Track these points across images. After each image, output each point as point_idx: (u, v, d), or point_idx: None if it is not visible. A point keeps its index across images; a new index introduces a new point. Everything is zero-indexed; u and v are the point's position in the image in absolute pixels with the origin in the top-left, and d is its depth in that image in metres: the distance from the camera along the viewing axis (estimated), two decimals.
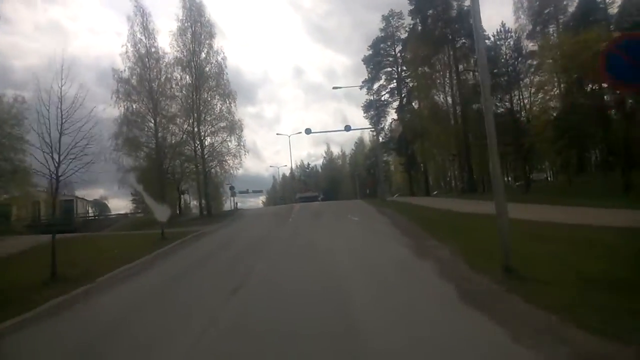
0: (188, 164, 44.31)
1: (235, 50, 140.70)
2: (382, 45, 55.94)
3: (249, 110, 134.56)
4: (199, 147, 43.48)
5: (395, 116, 57.88)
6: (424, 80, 49.04)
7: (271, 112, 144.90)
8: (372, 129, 57.82)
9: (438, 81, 48.04)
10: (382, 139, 57.43)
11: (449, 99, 48.92)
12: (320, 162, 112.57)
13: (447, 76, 45.92)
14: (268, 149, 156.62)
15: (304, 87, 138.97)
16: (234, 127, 44.91)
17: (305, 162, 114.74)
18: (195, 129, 43.47)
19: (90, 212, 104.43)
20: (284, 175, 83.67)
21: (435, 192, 60.41)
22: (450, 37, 45.43)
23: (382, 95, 56.92)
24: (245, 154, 46.77)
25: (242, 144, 44.94)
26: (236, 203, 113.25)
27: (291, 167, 62.35)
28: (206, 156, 43.81)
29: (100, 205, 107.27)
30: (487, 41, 44.51)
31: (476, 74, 46.18)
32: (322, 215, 30.70)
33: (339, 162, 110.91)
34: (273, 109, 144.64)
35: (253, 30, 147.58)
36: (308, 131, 41.90)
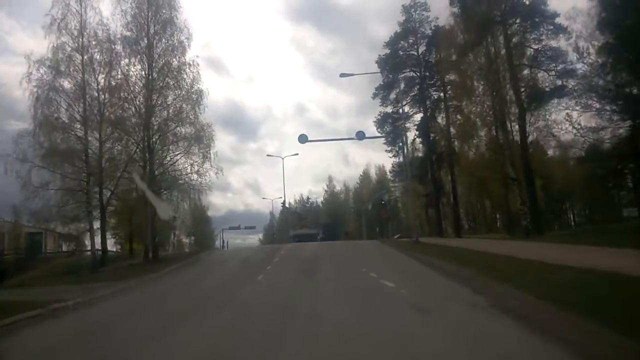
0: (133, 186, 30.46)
1: (239, 86, 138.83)
2: (401, 42, 43.33)
3: (251, 146, 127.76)
4: (148, 161, 29.78)
5: (416, 133, 44.70)
6: (462, 78, 35.67)
7: (273, 148, 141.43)
8: (389, 148, 44.43)
9: (480, 84, 34.65)
10: (398, 162, 44.34)
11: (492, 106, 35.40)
12: (321, 199, 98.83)
13: (494, 75, 32.50)
14: (269, 186, 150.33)
15: (306, 124, 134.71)
16: (200, 136, 31.36)
17: (305, 197, 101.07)
18: (144, 137, 29.88)
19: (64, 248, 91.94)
20: (281, 209, 69.40)
21: (462, 231, 46.31)
22: (499, 18, 32.37)
23: (401, 107, 43.86)
24: (217, 173, 33.07)
25: (210, 158, 31.27)
26: (224, 241, 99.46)
27: (284, 196, 48.56)
28: (157, 175, 30.03)
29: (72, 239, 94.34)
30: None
31: (535, 70, 33.04)
32: (321, 268, 16.95)
33: (341, 197, 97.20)
34: (275, 145, 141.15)
35: (257, 67, 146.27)
36: (303, 139, 28.45)
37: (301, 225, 52.76)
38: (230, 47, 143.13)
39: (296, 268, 17.46)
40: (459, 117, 42.88)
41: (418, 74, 43.43)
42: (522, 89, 32.23)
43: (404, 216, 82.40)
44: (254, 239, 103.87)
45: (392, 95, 43.96)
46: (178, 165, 31.30)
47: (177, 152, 31.07)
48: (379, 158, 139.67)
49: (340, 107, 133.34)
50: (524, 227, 29.02)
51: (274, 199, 57.96)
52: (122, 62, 30.37)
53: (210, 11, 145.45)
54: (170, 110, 30.70)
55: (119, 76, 30.26)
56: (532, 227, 29.19)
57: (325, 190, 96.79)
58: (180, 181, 31.22)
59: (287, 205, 48.17)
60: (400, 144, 44.84)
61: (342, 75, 27.58)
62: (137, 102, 30.40)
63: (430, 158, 43.03)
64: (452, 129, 44.35)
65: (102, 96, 29.39)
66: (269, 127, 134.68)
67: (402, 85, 44.03)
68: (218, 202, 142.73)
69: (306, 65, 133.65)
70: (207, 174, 32.55)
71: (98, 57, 29.27)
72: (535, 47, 33.32)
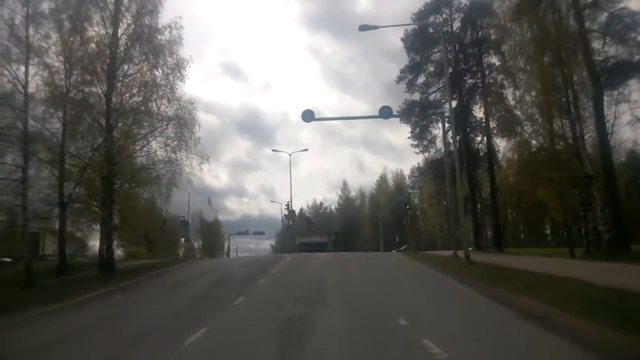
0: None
1: (256, 92, 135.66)
2: (432, 17, 35.72)
3: (267, 152, 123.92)
4: (103, 145, 22.67)
5: (447, 125, 36.81)
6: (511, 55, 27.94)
7: (287, 155, 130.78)
8: (414, 142, 36.50)
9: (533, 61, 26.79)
10: (426, 159, 36.66)
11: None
12: (335, 205, 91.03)
13: (555, 47, 24.73)
14: (284, 192, 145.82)
15: (321, 131, 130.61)
16: (178, 116, 24.20)
17: (318, 203, 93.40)
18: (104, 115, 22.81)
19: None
20: (286, 212, 61.00)
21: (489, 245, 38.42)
22: None
23: (431, 94, 36.18)
24: (203, 163, 25.79)
25: (192, 143, 24.05)
26: (229, 248, 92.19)
27: (290, 197, 40.85)
28: (116, 162, 22.81)
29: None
30: None
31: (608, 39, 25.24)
32: (321, 314, 9.32)
33: (356, 203, 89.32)
34: (291, 151, 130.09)
35: (273, 74, 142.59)
36: (308, 116, 20.69)
37: (309, 232, 45.19)
38: (247, 54, 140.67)
39: (279, 309, 9.78)
40: (501, 107, 35.17)
41: (452, 54, 35.77)
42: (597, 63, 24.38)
43: (422, 224, 74.43)
44: (266, 244, 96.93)
45: (420, 80, 36.43)
46: (149, 151, 24.13)
47: (146, 135, 23.87)
48: (395, 167, 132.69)
49: (356, 114, 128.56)
50: (608, 241, 20.93)
51: (283, 202, 52.24)
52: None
53: (228, 18, 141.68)
54: (139, 82, 23.55)
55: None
56: (613, 241, 21.17)
57: (340, 196, 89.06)
58: (149, 171, 24.04)
59: (291, 208, 41.11)
60: (429, 137, 37.21)
61: (362, 28, 20.02)
62: (99, 72, 23.27)
63: (465, 155, 35.30)
64: (491, 122, 36.51)
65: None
66: (284, 133, 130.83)
67: (432, 68, 36.37)
68: (233, 207, 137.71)
69: (323, 73, 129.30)
70: (187, 163, 25.42)
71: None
72: (609, 11, 25.51)
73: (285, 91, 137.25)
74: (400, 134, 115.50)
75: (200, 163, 26.28)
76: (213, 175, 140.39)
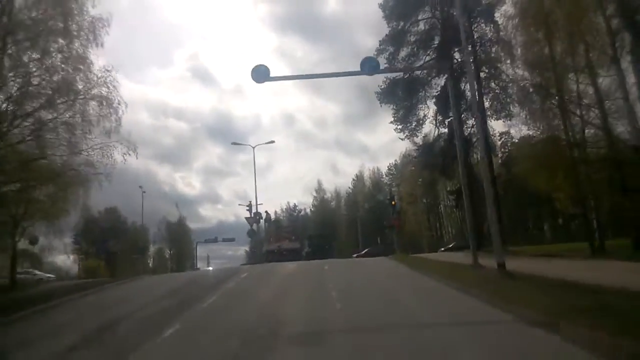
0: None
1: (227, 97, 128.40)
2: None
3: (241, 158, 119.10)
4: None
5: (435, 108, 30.86)
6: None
7: (262, 159, 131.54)
8: (398, 127, 30.33)
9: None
10: (416, 145, 30.58)
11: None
12: (311, 207, 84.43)
13: None
14: (259, 197, 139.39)
15: (295, 135, 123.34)
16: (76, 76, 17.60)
17: (292, 205, 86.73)
18: None
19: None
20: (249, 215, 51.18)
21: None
22: None
23: (415, 70, 30.14)
24: (127, 154, 19.43)
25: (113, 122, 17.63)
26: (195, 258, 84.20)
27: (255, 198, 34.18)
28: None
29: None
30: None
31: None
32: None
33: (332, 204, 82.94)
34: (264, 155, 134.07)
35: (244, 78, 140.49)
36: (261, 73, 14.14)
37: (278, 237, 38.12)
38: (217, 58, 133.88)
39: None
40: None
41: (439, 20, 29.79)
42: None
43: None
44: (242, 250, 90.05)
45: (403, 53, 30.38)
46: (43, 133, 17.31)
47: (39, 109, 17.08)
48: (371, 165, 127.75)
49: (329, 117, 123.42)
50: None
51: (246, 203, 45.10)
52: None
53: (196, 22, 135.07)
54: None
55: None
56: None
57: (314, 197, 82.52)
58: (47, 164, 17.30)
59: (256, 209, 34.14)
60: (415, 120, 31.19)
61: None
62: None
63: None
64: (485, 102, 31.09)
65: None
66: (258, 137, 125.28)
67: (414, 39, 30.35)
68: (208, 214, 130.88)
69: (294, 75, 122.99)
70: (105, 153, 18.88)
71: None
72: None
73: (256, 95, 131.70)
74: (374, 135, 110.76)
75: (125, 154, 19.74)
76: (186, 182, 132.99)
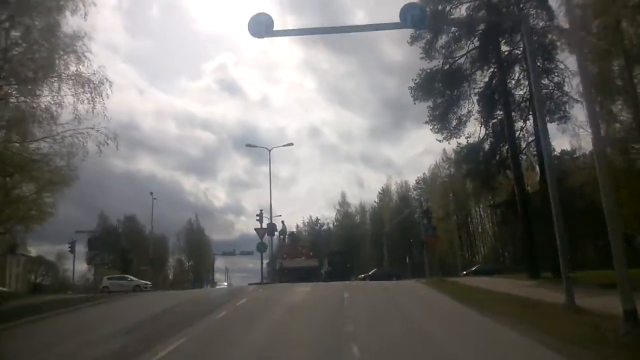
0: None
1: (253, 109, 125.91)
2: None
3: (265, 170, 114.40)
4: None
5: (479, 106, 26.08)
6: None
7: (286, 172, 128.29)
8: (435, 126, 25.52)
9: None
10: (458, 149, 25.75)
11: None
12: (334, 221, 79.54)
13: None
14: (282, 210, 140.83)
15: (320, 148, 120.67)
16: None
17: (314, 219, 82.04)
18: None
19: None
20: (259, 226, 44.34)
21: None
22: None
23: (456, 60, 25.58)
24: (105, 143, 15.41)
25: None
26: (210, 279, 79.63)
27: (270, 206, 29.71)
28: None
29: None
30: None
31: None
32: None
33: (356, 218, 77.90)
34: (288, 169, 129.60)
35: (270, 90, 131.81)
36: (259, 26, 10.08)
37: (293, 252, 33.19)
38: (244, 70, 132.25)
39: None
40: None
41: (484, 6, 25.20)
42: None
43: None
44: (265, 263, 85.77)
45: (441, 42, 25.80)
46: None
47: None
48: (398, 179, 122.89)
49: (354, 131, 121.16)
50: None
51: (264, 214, 40.50)
52: None
53: (225, 34, 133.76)
54: None
55: None
56: None
57: (338, 210, 77.58)
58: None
59: (271, 220, 29.60)
60: (455, 118, 26.43)
61: None
62: None
63: (510, 145, 24.43)
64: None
65: None
66: (282, 150, 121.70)
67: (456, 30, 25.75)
68: (232, 226, 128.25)
69: (320, 88, 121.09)
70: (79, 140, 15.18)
71: None
72: None
73: (282, 107, 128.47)
74: (399, 149, 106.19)
75: (100, 145, 15.83)
76: (211, 194, 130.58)
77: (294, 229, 74.06)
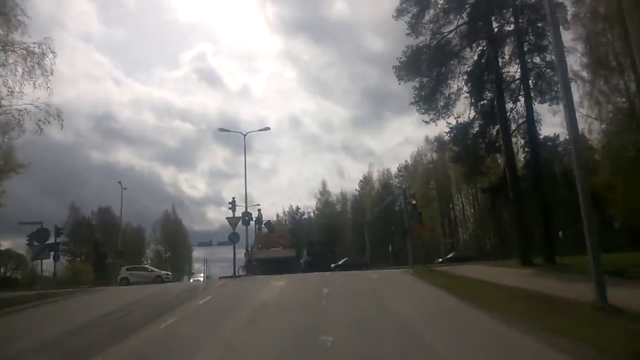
0: None
1: (233, 99, 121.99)
2: None
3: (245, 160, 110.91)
4: None
5: (467, 86, 24.20)
6: None
7: (268, 162, 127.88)
8: (421, 107, 23.58)
9: None
10: (449, 130, 23.74)
11: None
12: (314, 210, 77.37)
13: None
14: (264, 200, 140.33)
15: (301, 138, 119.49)
16: None
17: (295, 208, 79.77)
18: None
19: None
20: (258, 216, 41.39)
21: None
22: None
23: (445, 35, 23.58)
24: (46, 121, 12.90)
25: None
26: (188, 271, 77.01)
27: (245, 196, 27.48)
28: None
29: None
30: None
31: None
32: None
33: (337, 207, 75.95)
34: (270, 159, 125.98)
35: (251, 80, 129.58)
36: None
37: (269, 242, 30.98)
38: (223, 59, 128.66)
39: None
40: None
41: None
42: None
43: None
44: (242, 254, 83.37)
45: (428, 16, 23.82)
46: None
47: None
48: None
49: (335, 121, 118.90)
50: None
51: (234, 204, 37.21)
52: None
53: (203, 23, 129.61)
54: None
55: None
56: None
57: (318, 199, 75.61)
58: None
59: (247, 208, 27.33)
60: (445, 99, 24.53)
61: None
62: None
63: (502, 126, 22.57)
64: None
65: None
66: (263, 141, 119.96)
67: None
68: (212, 217, 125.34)
69: (300, 78, 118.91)
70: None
71: None
72: None
73: (262, 98, 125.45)
74: (380, 139, 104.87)
75: (40, 123, 13.54)
76: (190, 184, 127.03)
77: (275, 219, 71.99)
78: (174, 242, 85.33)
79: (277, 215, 75.46)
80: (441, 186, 59.84)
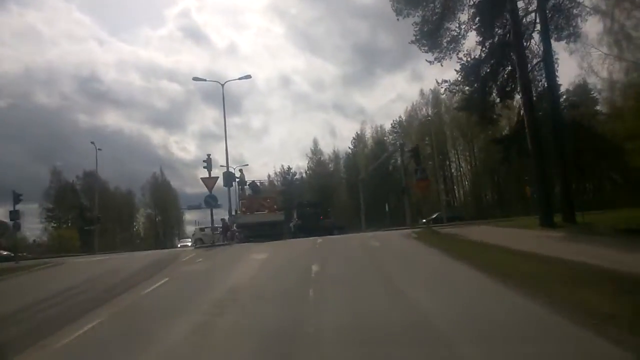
0: None
1: (220, 58, 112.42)
2: None
3: (235, 121, 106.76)
4: None
5: (476, 20, 20.51)
6: None
7: (258, 122, 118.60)
8: (424, 45, 20.04)
9: None
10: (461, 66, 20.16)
11: None
12: (306, 170, 73.98)
13: None
14: (256, 162, 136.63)
15: (291, 97, 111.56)
16: None
17: (287, 169, 76.12)
18: None
19: None
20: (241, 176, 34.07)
21: None
22: None
23: None
24: None
25: None
26: (177, 234, 74.20)
27: (226, 153, 24.23)
28: None
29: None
30: None
31: None
32: None
33: (330, 167, 72.61)
34: (260, 119, 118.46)
35: (238, 37, 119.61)
36: None
37: (253, 205, 27.54)
38: (208, 15, 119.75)
39: None
40: None
41: None
42: None
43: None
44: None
45: None
46: None
47: None
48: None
49: (326, 78, 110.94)
50: None
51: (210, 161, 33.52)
52: None
53: None
54: None
55: None
56: None
57: (310, 158, 72.00)
58: None
59: (228, 165, 24.33)
60: (450, 35, 20.93)
61: None
62: None
63: (519, 64, 19.04)
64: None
65: None
66: (252, 100, 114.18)
67: None
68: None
69: (289, 34, 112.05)
70: None
71: None
72: None
73: (250, 55, 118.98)
74: (371, 96, 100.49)
75: None
76: (181, 147, 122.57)
77: (266, 179, 68.75)
78: (164, 206, 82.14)
79: (269, 176, 72.20)
80: (437, 142, 56.51)
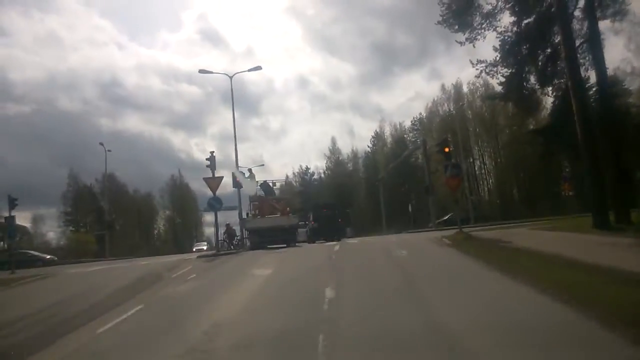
0: None
1: (238, 60, 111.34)
2: None
3: (254, 122, 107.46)
4: None
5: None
6: None
7: (277, 123, 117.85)
8: (452, 26, 17.48)
9: None
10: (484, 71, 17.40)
11: None
12: (324, 170, 71.49)
13: None
14: (275, 162, 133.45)
15: (309, 98, 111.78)
16: None
17: (304, 168, 73.72)
18: None
19: None
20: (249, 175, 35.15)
21: None
22: None
23: None
24: None
25: None
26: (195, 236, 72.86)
27: (235, 151, 22.16)
28: None
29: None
30: None
31: None
32: None
33: (349, 166, 69.87)
34: (279, 120, 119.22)
35: (255, 39, 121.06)
36: None
37: (264, 208, 24.71)
38: (226, 19, 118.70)
39: None
40: None
41: None
42: None
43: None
44: None
45: None
46: None
47: None
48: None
49: (343, 78, 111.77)
50: None
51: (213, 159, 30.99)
52: None
53: None
54: None
55: None
56: None
57: (328, 157, 69.45)
58: None
59: (237, 164, 21.94)
60: (482, 14, 18.24)
61: None
62: None
63: (566, 42, 16.19)
64: None
65: None
66: (271, 102, 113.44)
67: None
68: (225, 180, 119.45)
69: (306, 35, 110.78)
70: None
71: None
72: None
73: (268, 57, 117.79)
74: (390, 95, 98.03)
75: None
76: (200, 149, 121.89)
77: (283, 180, 66.52)
78: (183, 208, 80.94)
79: (287, 176, 70.02)
80: (461, 138, 53.41)
